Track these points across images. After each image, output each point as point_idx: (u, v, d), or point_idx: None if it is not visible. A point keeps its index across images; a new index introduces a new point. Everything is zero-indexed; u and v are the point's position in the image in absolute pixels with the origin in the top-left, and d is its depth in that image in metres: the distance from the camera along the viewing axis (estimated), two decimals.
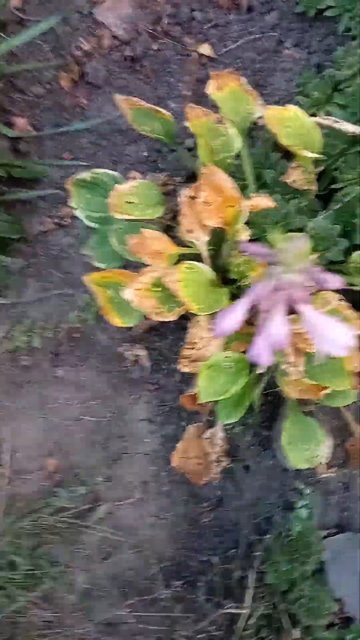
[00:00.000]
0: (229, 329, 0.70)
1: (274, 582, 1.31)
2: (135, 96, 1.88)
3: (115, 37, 1.91)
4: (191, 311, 1.20)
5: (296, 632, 1.29)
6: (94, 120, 1.85)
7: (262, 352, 0.67)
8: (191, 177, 1.66)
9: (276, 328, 0.65)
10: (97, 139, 1.84)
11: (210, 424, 1.44)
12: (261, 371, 1.27)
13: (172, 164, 1.76)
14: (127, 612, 1.48)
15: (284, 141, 1.17)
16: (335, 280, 0.71)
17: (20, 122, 1.87)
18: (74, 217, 1.60)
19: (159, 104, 1.86)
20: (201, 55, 1.83)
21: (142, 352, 1.60)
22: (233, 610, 1.32)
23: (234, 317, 0.69)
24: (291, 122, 1.20)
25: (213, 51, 1.82)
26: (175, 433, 1.58)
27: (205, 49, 1.83)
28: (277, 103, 1.34)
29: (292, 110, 1.20)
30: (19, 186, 1.79)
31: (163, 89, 1.84)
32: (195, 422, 1.54)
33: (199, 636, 1.40)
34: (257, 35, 1.77)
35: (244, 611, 1.29)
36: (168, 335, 1.61)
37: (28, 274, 1.73)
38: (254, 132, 1.68)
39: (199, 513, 1.54)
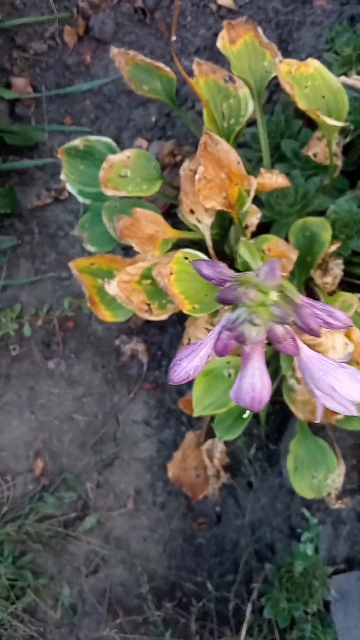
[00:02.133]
0: (182, 380, 0.50)
1: (272, 618, 1.14)
2: (145, 53, 1.67)
3: None
4: (184, 311, 1.00)
5: None
6: (98, 81, 1.65)
7: (244, 402, 0.48)
8: None
9: (252, 379, 0.46)
10: (101, 101, 1.64)
11: (212, 432, 1.26)
12: None
13: (182, 130, 1.55)
14: (115, 633, 1.33)
15: (302, 104, 0.94)
16: (343, 320, 0.48)
17: (19, 82, 1.69)
18: None
19: (172, 61, 1.64)
20: (220, 6, 1.60)
21: (141, 347, 1.42)
22: None
23: (189, 366, 0.49)
24: (311, 82, 0.96)
25: (233, 1, 1.59)
26: (173, 438, 1.41)
27: None
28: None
29: (313, 66, 0.97)
30: (14, 154, 1.61)
31: (177, 45, 1.62)
32: (196, 428, 1.37)
33: None
34: None
35: None
36: (169, 329, 1.42)
37: (20, 254, 1.56)
38: (274, 95, 1.46)
39: (195, 529, 1.37)
